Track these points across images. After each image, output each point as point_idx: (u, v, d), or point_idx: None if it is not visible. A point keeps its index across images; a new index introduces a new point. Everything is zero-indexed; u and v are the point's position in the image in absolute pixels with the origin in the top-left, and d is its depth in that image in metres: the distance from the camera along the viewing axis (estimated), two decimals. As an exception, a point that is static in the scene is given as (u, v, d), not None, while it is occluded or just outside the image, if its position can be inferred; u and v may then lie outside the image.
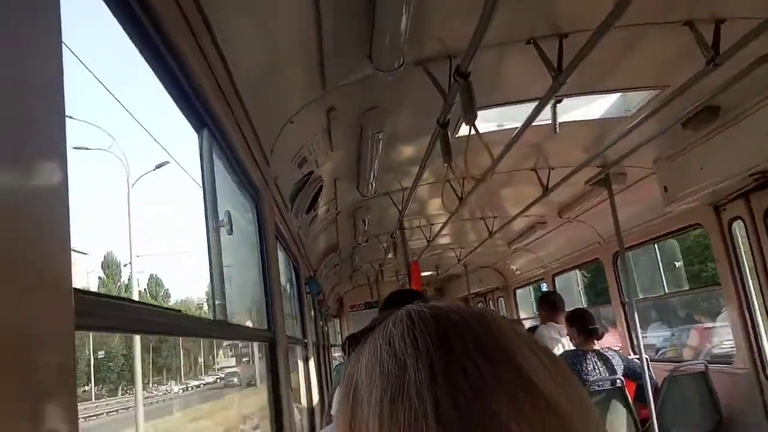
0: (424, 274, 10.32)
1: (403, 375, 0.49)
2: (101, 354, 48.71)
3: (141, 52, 1.33)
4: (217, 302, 1.79)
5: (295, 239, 4.25)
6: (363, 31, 2.31)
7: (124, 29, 1.27)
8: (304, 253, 5.08)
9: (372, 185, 4.29)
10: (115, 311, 0.98)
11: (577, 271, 8.29)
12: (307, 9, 2.07)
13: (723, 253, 4.42)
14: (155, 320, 1.20)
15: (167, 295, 63.37)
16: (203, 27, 1.57)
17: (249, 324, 2.82)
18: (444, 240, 7.92)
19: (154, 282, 62.16)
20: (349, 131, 3.36)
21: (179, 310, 1.44)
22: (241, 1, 1.75)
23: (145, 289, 60.43)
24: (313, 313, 6.78)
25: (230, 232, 1.83)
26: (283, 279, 4.08)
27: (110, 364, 49.66)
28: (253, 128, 2.26)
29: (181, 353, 57.08)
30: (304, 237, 4.74)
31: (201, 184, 1.74)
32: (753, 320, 4.26)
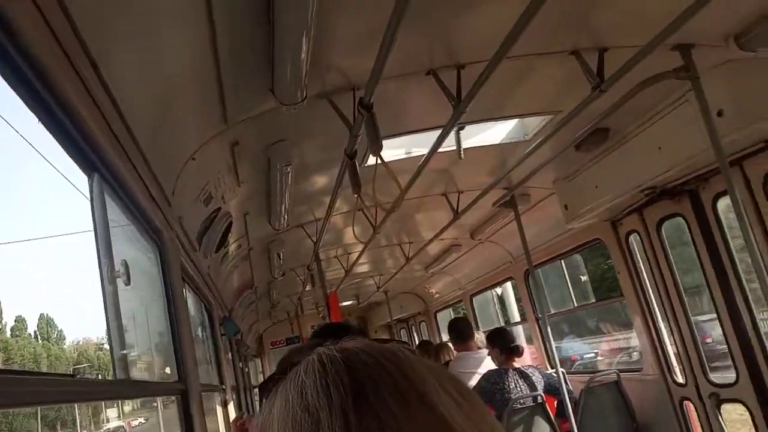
0: (345, 303, 10.24)
1: (317, 430, 0.48)
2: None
3: (17, 91, 1.23)
4: (116, 359, 1.65)
5: (205, 280, 4.07)
6: (263, 64, 2.28)
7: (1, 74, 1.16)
8: (217, 293, 4.88)
9: (284, 218, 4.22)
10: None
11: (492, 290, 8.52)
12: (202, 45, 2.01)
13: (623, 265, 4.70)
14: (45, 390, 1.08)
15: (61, 337, 58.25)
16: (89, 68, 1.48)
17: (157, 375, 2.64)
18: (362, 268, 7.91)
19: (45, 322, 57.13)
20: (256, 165, 3.29)
21: (72, 375, 1.31)
22: (127, 37, 1.67)
23: (35, 331, 55.39)
24: (230, 356, 6.50)
25: (127, 282, 1.70)
26: (194, 323, 3.89)
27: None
28: (150, 169, 2.14)
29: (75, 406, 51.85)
30: (215, 276, 4.56)
31: (93, 232, 1.61)
32: (656, 327, 4.52)
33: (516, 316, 8.45)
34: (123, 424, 47.15)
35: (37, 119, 1.28)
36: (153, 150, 2.07)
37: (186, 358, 2.51)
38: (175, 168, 2.57)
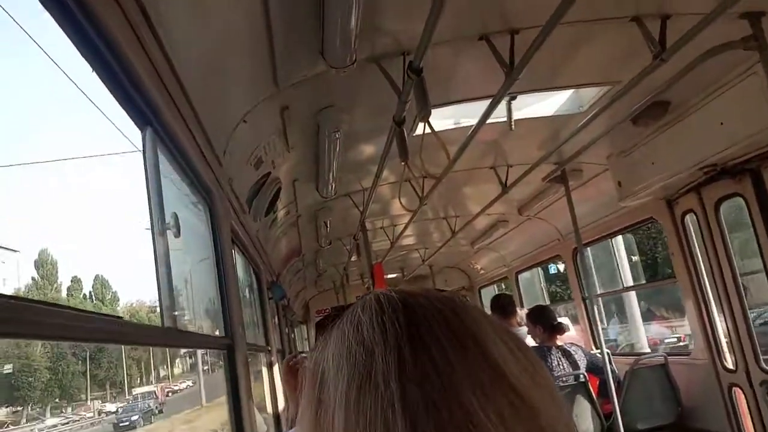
0: (389, 276, 10.32)
1: (371, 363, 0.49)
2: (8, 368, 42.56)
3: (76, 45, 1.27)
4: (165, 308, 1.72)
5: (254, 243, 4.17)
6: (314, 28, 2.28)
7: (60, 25, 1.21)
8: (265, 257, 4.99)
9: (332, 186, 4.26)
10: (41, 317, 0.93)
11: (539, 268, 8.41)
12: (254, 3, 2.02)
13: (677, 246, 4.53)
14: (91, 327, 1.14)
15: (115, 298, 59.78)
16: (143, 20, 1.52)
17: (205, 331, 2.74)
18: (408, 241, 7.93)
19: (100, 283, 58.65)
20: (306, 130, 3.32)
21: (120, 317, 1.37)
22: None
23: (90, 292, 57.06)
24: (277, 320, 6.67)
25: (177, 234, 1.76)
26: (242, 284, 4.00)
27: (30, 379, 43.46)
28: (203, 127, 2.19)
29: (125, 364, 52.74)
30: (264, 241, 4.66)
31: (145, 185, 1.67)
32: (708, 311, 4.37)
33: (629, 280, 8.05)
34: (155, 389, 47.07)
35: (91, 69, 1.32)
36: (205, 108, 2.11)
37: (233, 316, 2.60)
38: (226, 129, 2.62)
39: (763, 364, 3.90)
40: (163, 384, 50.08)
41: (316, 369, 0.55)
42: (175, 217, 1.77)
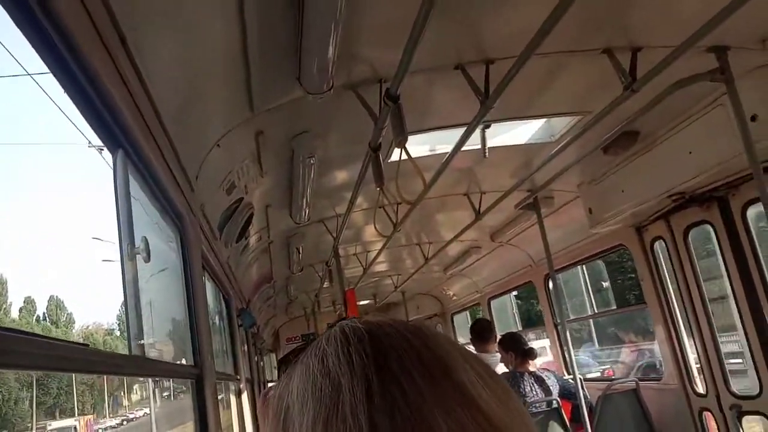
0: (361, 302, 10.24)
1: (338, 395, 0.47)
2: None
3: (48, 64, 1.24)
4: (133, 335, 1.65)
5: (225, 269, 4.09)
6: (291, 54, 2.28)
7: (30, 42, 1.17)
8: (236, 284, 4.90)
9: (305, 212, 4.22)
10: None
11: (511, 294, 8.45)
12: (231, 28, 2.01)
13: (647, 272, 4.61)
14: (54, 355, 1.08)
15: (71, 321, 57.23)
16: (118, 43, 1.49)
17: (172, 359, 2.65)
18: (381, 267, 7.90)
19: (55, 304, 56.24)
20: (280, 156, 3.29)
21: (86, 344, 1.31)
22: (160, 19, 1.68)
23: (43, 313, 54.67)
24: (246, 348, 6.54)
25: (147, 259, 1.71)
26: (211, 311, 3.90)
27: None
28: (175, 151, 2.15)
29: (75, 391, 48.94)
30: (234, 267, 4.58)
31: (115, 208, 1.62)
32: (678, 336, 4.43)
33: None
34: (75, 423, 42.05)
35: (62, 90, 1.28)
36: (178, 132, 2.08)
37: (202, 345, 2.52)
38: (199, 153, 2.58)
39: (733, 388, 3.96)
40: (88, 417, 45.90)
41: (279, 404, 0.52)
42: (146, 241, 1.71)
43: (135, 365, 1.68)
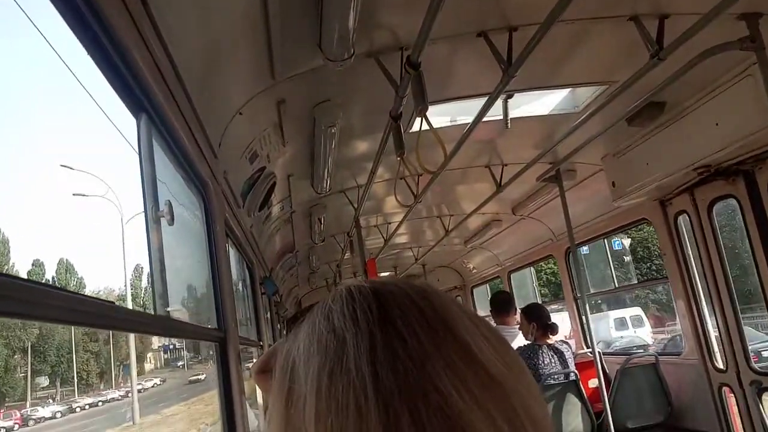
0: (382, 274, 10.31)
1: (342, 349, 0.48)
2: None
3: (73, 29, 1.26)
4: (158, 296, 1.71)
5: (248, 237, 4.15)
6: (312, 21, 2.28)
7: (60, 12, 1.20)
8: (258, 252, 4.98)
9: (327, 182, 4.25)
10: (35, 297, 0.91)
11: (531, 268, 8.43)
12: None
13: (669, 246, 4.56)
14: (84, 310, 1.12)
15: (81, 285, 54.72)
16: (142, 9, 1.50)
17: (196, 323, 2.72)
18: (401, 239, 7.93)
19: (64, 268, 54.38)
20: (302, 125, 3.31)
21: (112, 302, 1.36)
22: None
23: (53, 277, 53.28)
24: (269, 316, 6.66)
25: (171, 222, 1.75)
26: (235, 278, 3.98)
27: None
28: (198, 118, 2.18)
29: (75, 359, 44.85)
30: (257, 236, 4.64)
31: (139, 172, 1.66)
32: (700, 312, 4.40)
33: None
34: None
35: (86, 52, 1.31)
36: (201, 98, 2.10)
37: (226, 309, 2.58)
38: (222, 120, 2.61)
39: (753, 364, 3.93)
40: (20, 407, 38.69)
41: (286, 359, 0.54)
42: (169, 204, 1.75)
43: (161, 325, 1.74)
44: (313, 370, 0.49)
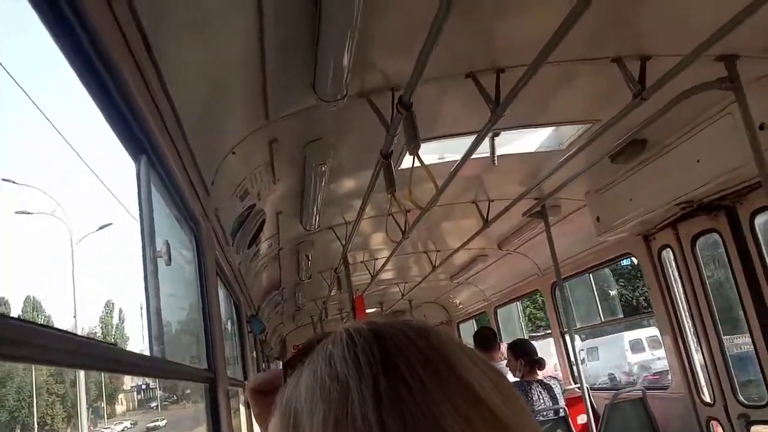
0: (369, 310, 10.24)
1: (347, 397, 0.47)
2: None
3: (78, 72, 1.28)
4: (154, 337, 1.69)
5: (236, 275, 4.13)
6: (306, 62, 2.32)
7: (61, 49, 1.22)
8: (246, 290, 4.93)
9: (316, 219, 4.25)
10: (43, 340, 0.90)
11: (518, 303, 8.45)
12: (251, 39, 2.06)
13: (654, 280, 4.62)
14: (84, 352, 1.11)
15: (49, 323, 53.85)
16: (144, 51, 1.53)
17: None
18: (388, 275, 7.91)
19: (31, 305, 49.67)
20: (292, 163, 3.33)
21: (114, 343, 1.35)
22: (185, 27, 1.73)
23: (18, 315, 52.60)
24: (255, 354, 6.56)
25: (168, 262, 1.75)
26: (223, 317, 3.93)
27: None
28: (194, 157, 2.20)
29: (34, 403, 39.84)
30: (245, 273, 4.62)
31: (138, 213, 1.66)
32: (686, 345, 4.43)
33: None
34: None
35: (89, 96, 1.32)
36: (197, 138, 2.12)
37: (216, 349, 2.55)
38: (216, 159, 2.62)
39: (741, 397, 3.95)
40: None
41: (287, 408, 0.52)
42: (167, 244, 1.75)
43: (156, 367, 1.72)
44: (318, 419, 0.48)
